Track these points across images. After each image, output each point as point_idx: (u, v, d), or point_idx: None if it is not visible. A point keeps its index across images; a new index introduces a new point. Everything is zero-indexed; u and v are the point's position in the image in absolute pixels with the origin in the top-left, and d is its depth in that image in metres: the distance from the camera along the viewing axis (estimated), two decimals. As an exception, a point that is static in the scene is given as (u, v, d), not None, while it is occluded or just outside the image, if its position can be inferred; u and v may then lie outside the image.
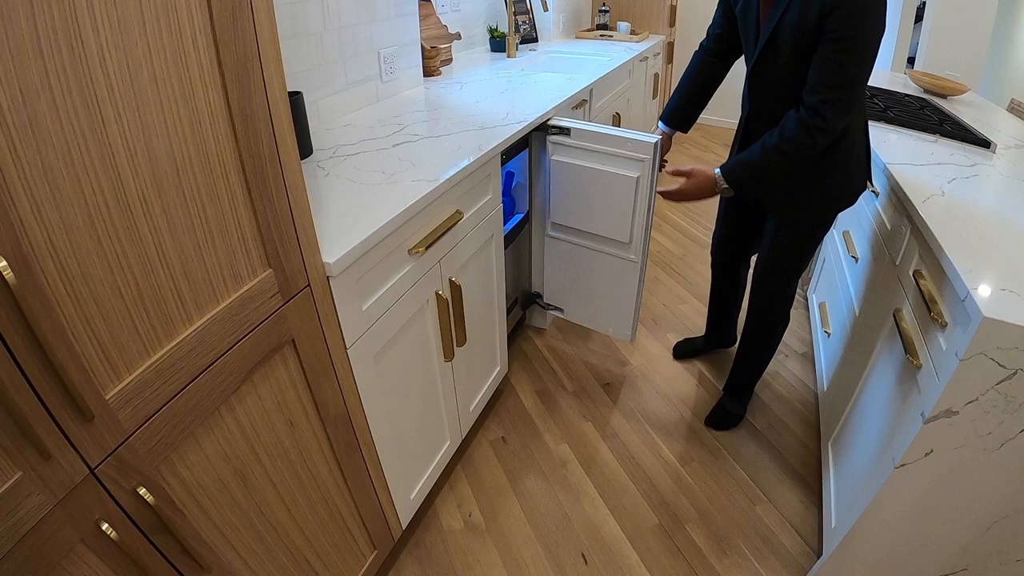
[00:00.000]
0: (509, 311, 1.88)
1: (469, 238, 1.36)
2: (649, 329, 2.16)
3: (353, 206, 1.06)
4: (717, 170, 1.32)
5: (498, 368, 1.72)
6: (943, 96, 2.05)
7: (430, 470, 1.41)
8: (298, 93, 1.32)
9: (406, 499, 1.32)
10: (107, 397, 0.63)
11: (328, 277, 0.92)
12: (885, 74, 2.55)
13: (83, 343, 0.60)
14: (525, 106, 1.68)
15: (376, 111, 1.66)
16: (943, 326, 0.98)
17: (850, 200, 1.36)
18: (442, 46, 2.12)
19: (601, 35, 3.08)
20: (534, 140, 1.71)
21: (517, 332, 2.15)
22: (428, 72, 2.02)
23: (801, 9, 1.09)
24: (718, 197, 1.46)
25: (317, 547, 1.06)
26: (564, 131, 1.64)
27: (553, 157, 1.68)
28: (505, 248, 1.72)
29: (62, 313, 0.57)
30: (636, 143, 1.55)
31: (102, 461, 0.64)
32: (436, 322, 1.28)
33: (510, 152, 1.60)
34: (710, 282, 1.88)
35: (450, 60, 2.25)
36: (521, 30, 2.67)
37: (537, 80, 2.04)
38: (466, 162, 1.25)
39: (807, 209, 1.35)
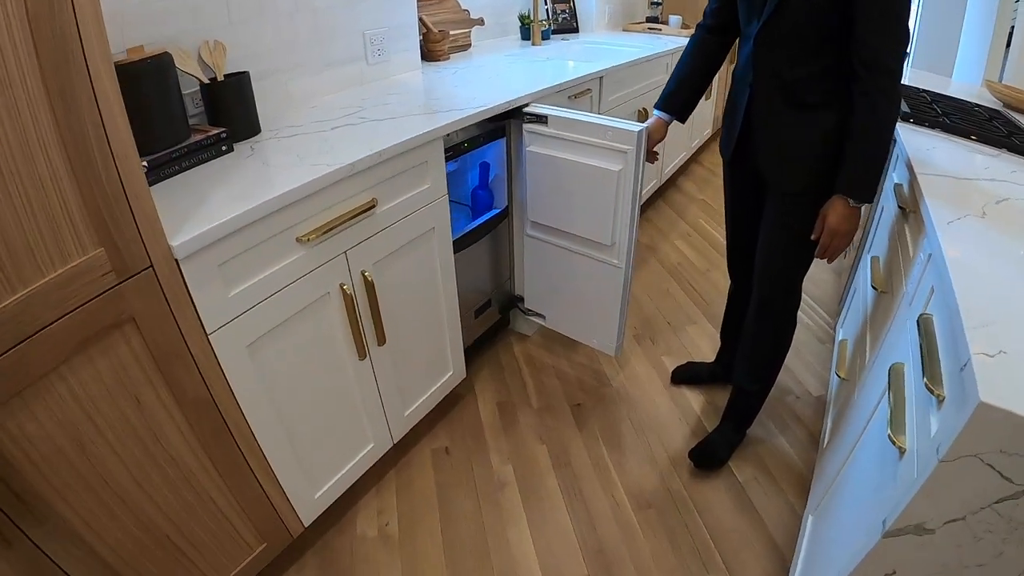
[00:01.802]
0: (479, 313, 1.91)
1: (393, 229, 1.41)
2: (644, 348, 2.09)
3: (243, 190, 1.15)
4: (839, 194, 1.26)
5: (450, 373, 1.76)
6: (1026, 111, 1.78)
7: (344, 471, 1.49)
8: (244, 73, 1.44)
9: (308, 498, 1.41)
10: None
11: (177, 260, 1.00)
12: (960, 86, 2.24)
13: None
14: (505, 92, 1.70)
15: (357, 93, 1.76)
16: (940, 400, 0.78)
17: None
18: (456, 31, 2.18)
19: (649, 28, 3.09)
20: (513, 129, 1.72)
21: (497, 336, 2.17)
22: (435, 56, 2.10)
23: None
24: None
25: (182, 528, 1.17)
26: (541, 119, 1.63)
27: (529, 148, 1.69)
28: (474, 244, 1.76)
29: None
30: (618, 132, 1.53)
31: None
32: (344, 315, 1.35)
33: (477, 141, 1.63)
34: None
35: (468, 45, 2.31)
36: (559, 19, 2.70)
37: (543, 68, 2.04)
38: (381, 147, 1.29)
39: (807, 175, 1.32)
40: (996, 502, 0.71)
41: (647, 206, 3.19)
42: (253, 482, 1.27)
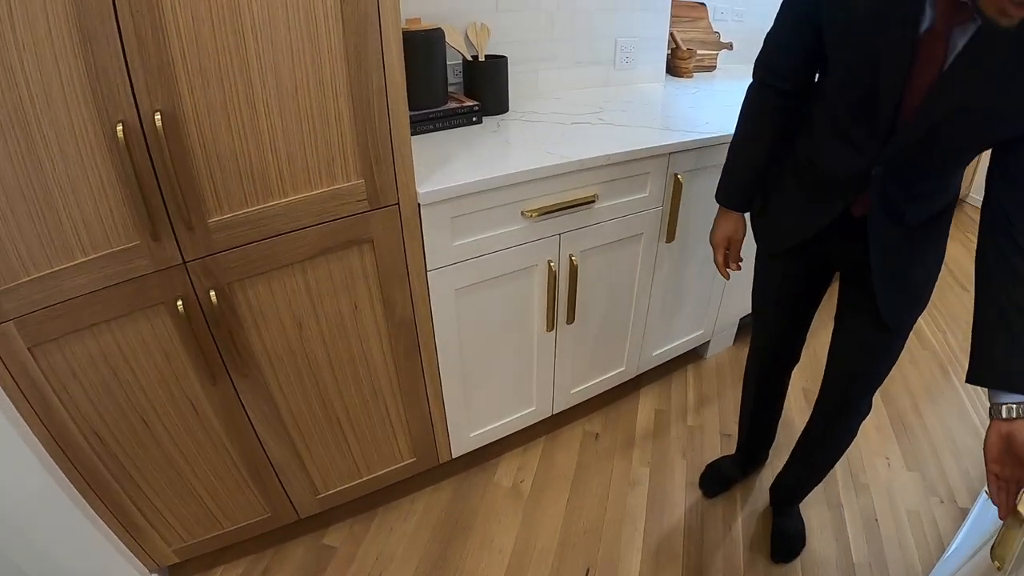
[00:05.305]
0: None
1: (605, 226, 1.45)
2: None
3: (484, 159, 1.28)
4: (1003, 399, 0.83)
5: (621, 368, 1.78)
6: None
7: (502, 422, 1.60)
8: (502, 57, 1.57)
9: (464, 434, 1.54)
10: (209, 221, 0.99)
11: (419, 204, 1.15)
12: None
13: (202, 180, 0.96)
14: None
15: (599, 94, 1.82)
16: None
17: None
18: (704, 51, 2.12)
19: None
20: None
21: (691, 352, 2.05)
22: (678, 72, 2.07)
23: (1001, 88, 0.77)
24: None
25: (353, 418, 1.36)
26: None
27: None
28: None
29: (192, 158, 0.94)
30: None
31: (192, 260, 1.01)
32: (544, 288, 1.43)
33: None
34: (748, 395, 1.51)
35: (713, 67, 2.23)
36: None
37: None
38: (611, 151, 1.33)
39: (922, 298, 1.06)
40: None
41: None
42: (423, 403, 1.42)
